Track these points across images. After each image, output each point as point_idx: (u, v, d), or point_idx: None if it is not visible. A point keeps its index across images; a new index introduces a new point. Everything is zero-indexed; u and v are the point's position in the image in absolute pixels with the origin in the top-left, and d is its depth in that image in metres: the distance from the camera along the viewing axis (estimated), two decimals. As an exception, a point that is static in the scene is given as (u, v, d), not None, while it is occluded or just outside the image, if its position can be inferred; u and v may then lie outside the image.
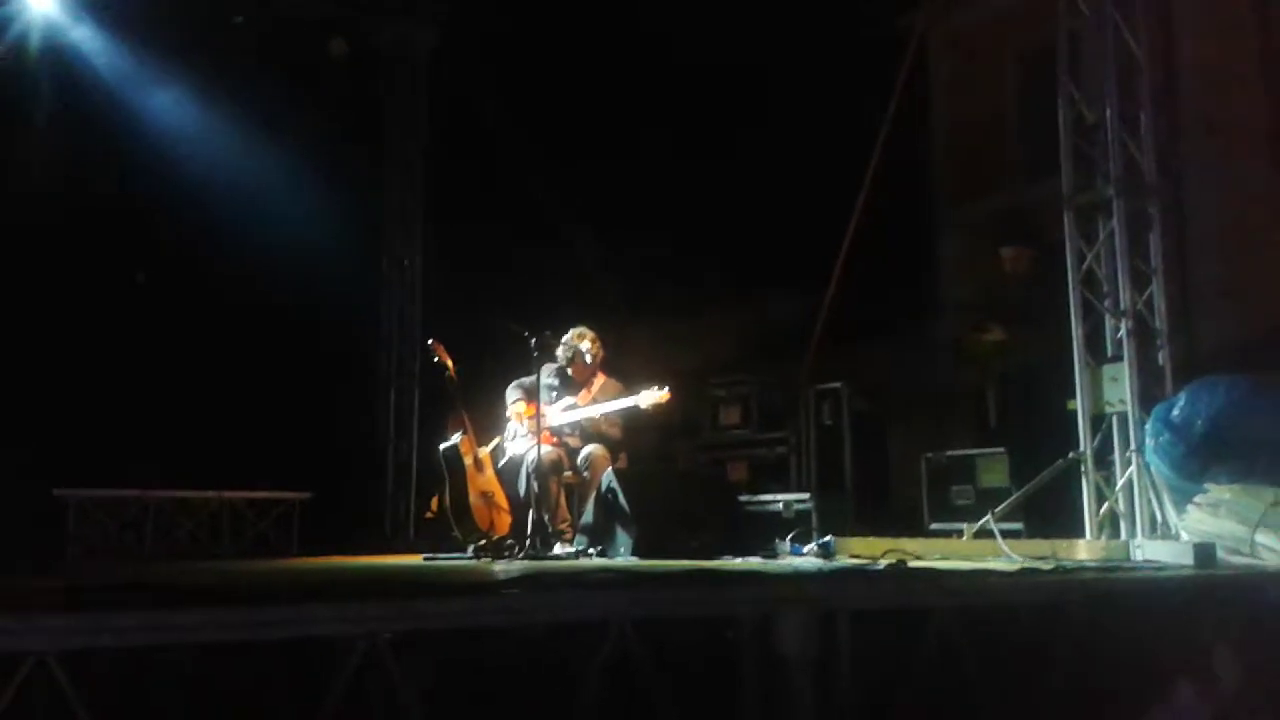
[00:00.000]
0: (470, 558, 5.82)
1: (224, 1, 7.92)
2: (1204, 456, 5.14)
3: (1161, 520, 5.31)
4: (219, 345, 7.43)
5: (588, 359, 6.48)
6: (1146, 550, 5.02)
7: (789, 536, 6.11)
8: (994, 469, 6.67)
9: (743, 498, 7.43)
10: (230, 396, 7.33)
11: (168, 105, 7.63)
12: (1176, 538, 5.07)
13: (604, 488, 5.95)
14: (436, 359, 6.46)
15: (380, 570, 5.15)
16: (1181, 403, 5.30)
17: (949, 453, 7.02)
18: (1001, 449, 6.72)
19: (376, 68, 8.96)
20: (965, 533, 5.94)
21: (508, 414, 6.49)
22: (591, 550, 5.81)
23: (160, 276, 7.40)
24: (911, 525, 6.89)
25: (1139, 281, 5.89)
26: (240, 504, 7.45)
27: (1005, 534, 5.55)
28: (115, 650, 2.40)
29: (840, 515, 7.22)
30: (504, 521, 6.24)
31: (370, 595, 3.14)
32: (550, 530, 5.97)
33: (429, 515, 6.75)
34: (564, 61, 8.82)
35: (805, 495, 7.45)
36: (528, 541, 5.78)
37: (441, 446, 6.30)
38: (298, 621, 2.67)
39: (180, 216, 7.42)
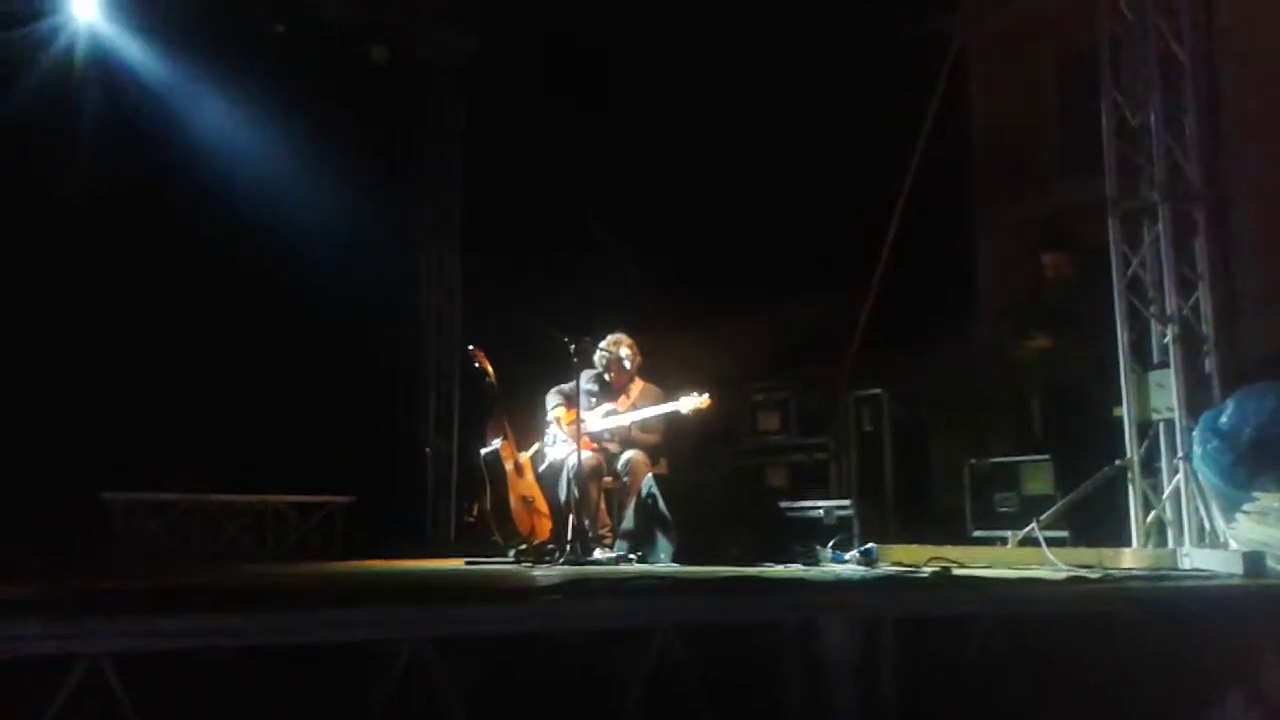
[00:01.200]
0: (511, 562, 5.85)
1: (265, 9, 8.00)
2: (1252, 464, 5.07)
3: (1210, 529, 5.23)
4: (262, 350, 7.50)
5: (626, 365, 6.50)
6: (1195, 559, 4.95)
7: (830, 543, 6.09)
8: (1038, 476, 6.60)
9: (783, 504, 7.40)
10: (273, 400, 7.39)
11: (209, 113, 7.73)
12: (1225, 546, 5.00)
13: (644, 493, 5.96)
14: (477, 365, 6.50)
15: (423, 575, 5.19)
16: (1229, 410, 5.23)
17: (992, 459, 6.96)
18: (1046, 456, 6.66)
19: (417, 74, 9.02)
20: (1010, 540, 5.89)
21: (548, 419, 6.52)
22: (632, 556, 5.82)
23: (203, 282, 7.48)
24: (954, 533, 6.84)
25: (1185, 287, 5.81)
26: (283, 507, 7.51)
27: (1050, 542, 5.49)
28: (165, 654, 2.42)
29: (881, 522, 7.18)
30: (544, 526, 6.27)
31: (415, 600, 3.17)
32: (591, 535, 5.99)
33: (469, 519, 6.80)
34: (603, 67, 8.84)
35: (846, 501, 7.41)
36: (568, 546, 5.79)
37: (482, 451, 6.35)
38: (344, 625, 2.70)
39: (222, 223, 7.49)
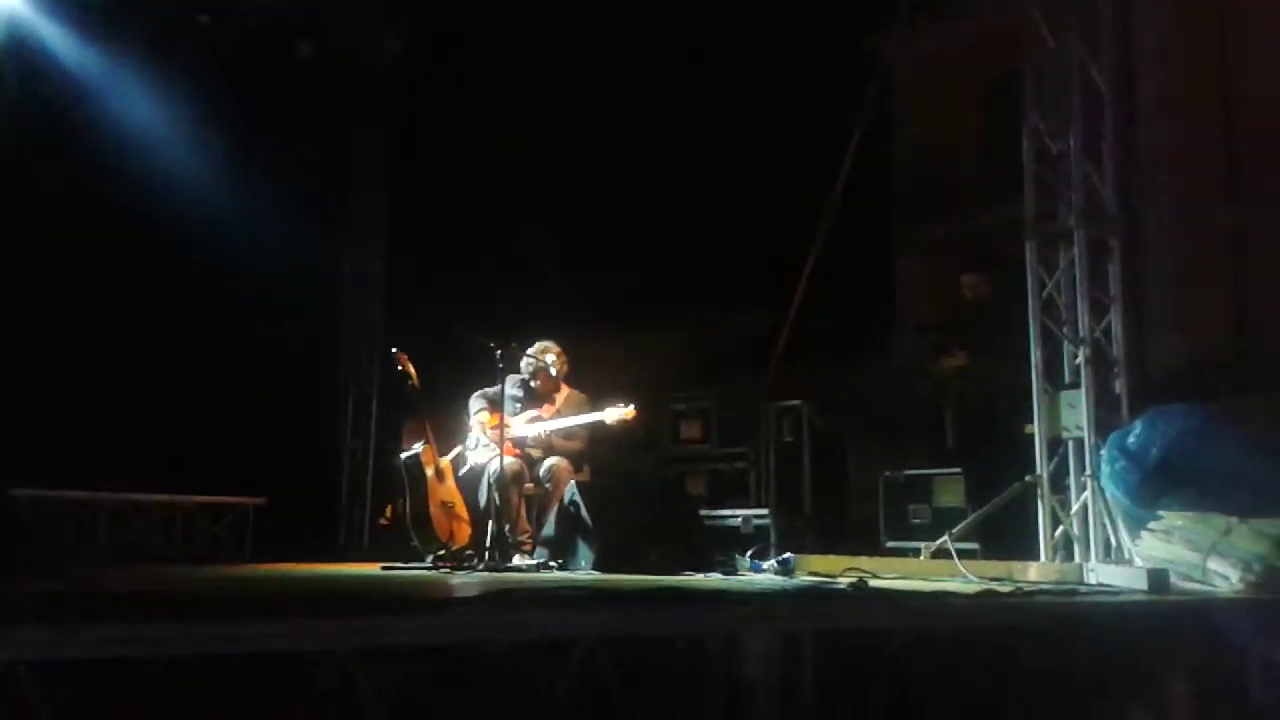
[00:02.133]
0: (429, 568, 5.79)
1: (190, 1, 7.82)
2: (1158, 484, 5.23)
3: (1115, 545, 5.40)
4: (177, 348, 7.34)
5: (552, 372, 6.49)
6: (1100, 574, 5.09)
7: (749, 553, 6.13)
8: (950, 489, 6.75)
9: (703, 512, 7.45)
10: (187, 400, 7.24)
11: (130, 104, 7.53)
12: (1130, 563, 5.16)
13: (566, 500, 5.95)
14: (399, 368, 6.43)
15: (340, 580, 5.10)
16: (1137, 430, 5.39)
17: (907, 472, 7.09)
18: (958, 470, 6.80)
19: (344, 70, 8.90)
20: (923, 552, 6.00)
21: (470, 423, 6.48)
22: (553, 563, 5.80)
23: (117, 277, 7.28)
24: (868, 543, 6.95)
25: (1097, 310, 5.98)
26: (193, 508, 7.35)
27: (961, 554, 5.61)
28: (81, 662, 2.36)
29: (798, 532, 7.26)
30: (464, 532, 6.22)
31: (338, 609, 3.12)
32: (511, 542, 5.96)
33: (383, 523, 6.72)
34: (531, 71, 8.82)
35: (764, 511, 7.49)
36: (487, 553, 5.76)
37: (403, 455, 6.28)
38: (268, 636, 2.64)
39: (139, 217, 7.31)
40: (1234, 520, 4.93)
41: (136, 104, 7.52)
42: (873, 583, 4.89)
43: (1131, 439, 5.36)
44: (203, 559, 6.95)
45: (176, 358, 7.33)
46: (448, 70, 8.90)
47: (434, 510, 6.13)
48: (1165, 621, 4.34)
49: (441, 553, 5.95)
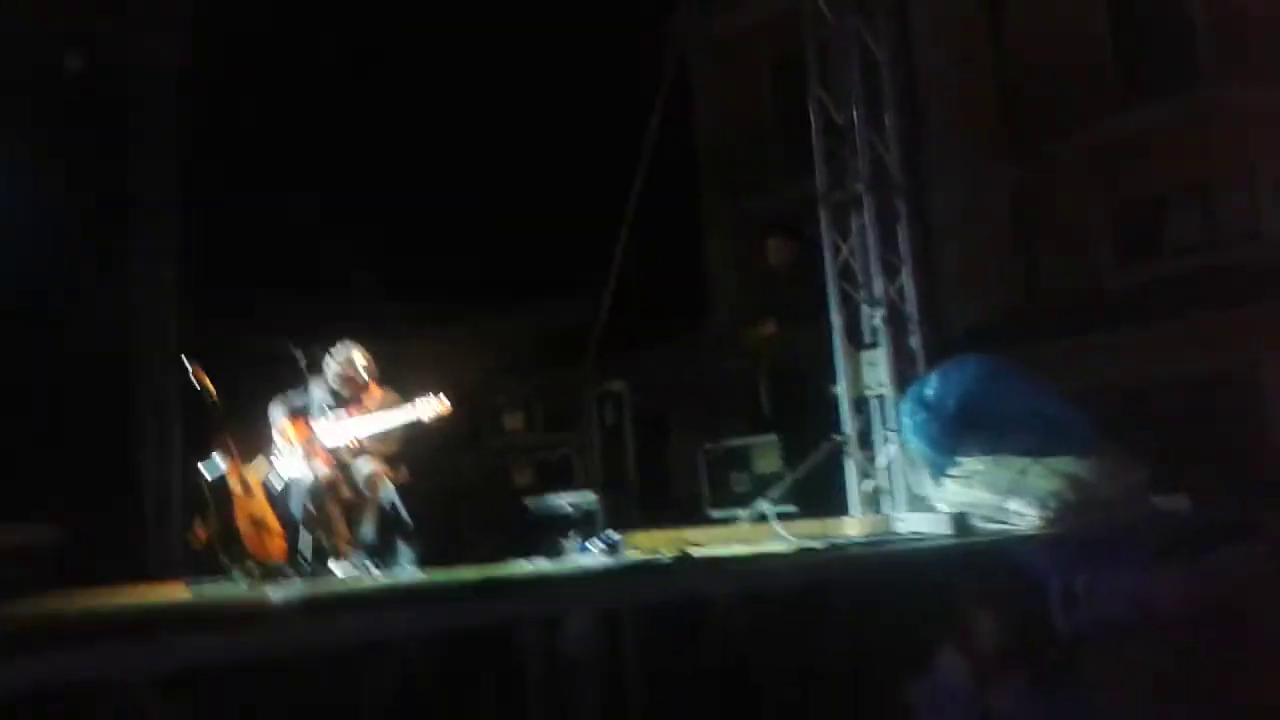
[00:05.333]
0: (241, 584, 5.54)
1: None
2: (956, 432, 5.49)
3: (921, 494, 5.64)
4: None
5: (361, 374, 6.28)
6: (908, 523, 5.32)
7: (574, 535, 6.12)
8: (768, 456, 6.91)
9: (528, 500, 7.39)
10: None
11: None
12: (935, 509, 5.39)
13: (385, 504, 5.79)
14: (196, 382, 6.10)
15: (144, 606, 4.83)
16: (934, 383, 5.64)
17: (726, 443, 7.22)
18: (774, 436, 6.97)
19: (122, 81, 8.38)
20: (743, 519, 6.13)
21: (273, 433, 6.20)
22: (373, 567, 5.64)
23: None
24: (695, 516, 7.05)
25: (890, 271, 6.23)
26: (-17, 545, 6.80)
27: (781, 517, 5.75)
28: None
29: (626, 511, 7.30)
30: (277, 546, 5.95)
31: (130, 632, 2.94)
32: (328, 549, 5.76)
33: (194, 543, 6.37)
34: (321, 70, 8.56)
35: (590, 494, 7.49)
36: (304, 564, 5.56)
37: (205, 472, 5.96)
38: (56, 669, 2.45)
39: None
40: (1028, 461, 5.22)
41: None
42: (696, 552, 4.96)
43: (929, 391, 5.61)
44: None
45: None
46: (238, 73, 8.52)
47: (243, 526, 5.85)
48: (970, 561, 4.56)
49: (255, 569, 5.69)
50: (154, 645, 2.77)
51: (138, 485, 7.94)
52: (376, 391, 6.32)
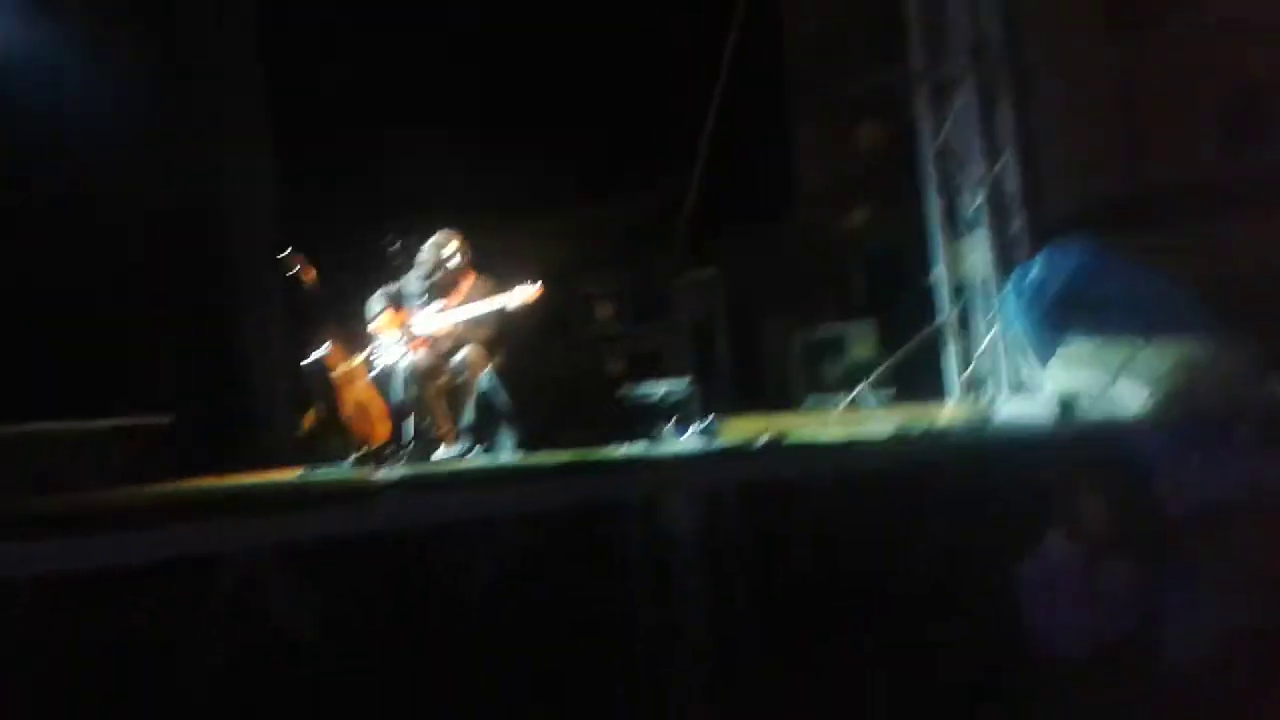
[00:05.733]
0: (350, 468, 5.72)
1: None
2: (1060, 316, 5.34)
3: (1024, 379, 5.53)
4: (67, 270, 6.98)
5: (456, 260, 6.35)
6: (1011, 408, 5.23)
7: (671, 421, 6.16)
8: (863, 342, 6.85)
9: (622, 389, 7.45)
10: (76, 323, 6.93)
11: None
12: (1039, 394, 5.29)
13: (483, 387, 5.89)
14: (297, 271, 6.23)
15: (258, 487, 5.02)
16: (1038, 265, 5.48)
17: (819, 330, 7.16)
18: (869, 322, 6.89)
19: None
20: (839, 405, 6.10)
21: (375, 323, 6.34)
22: (475, 450, 5.77)
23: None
24: (788, 404, 7.04)
25: (992, 152, 6.03)
26: (102, 432, 7.10)
27: (877, 403, 5.71)
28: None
29: (719, 399, 7.32)
30: (383, 430, 6.13)
31: (246, 510, 3.05)
32: (431, 435, 5.90)
33: (305, 430, 6.58)
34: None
35: (684, 382, 7.52)
36: (409, 447, 5.70)
37: (309, 359, 6.13)
38: (178, 542, 2.57)
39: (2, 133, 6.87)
40: (1138, 343, 5.06)
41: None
42: (790, 438, 4.95)
43: (1033, 274, 5.45)
44: (119, 483, 6.75)
45: (64, 282, 6.99)
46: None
47: (349, 411, 6.02)
48: (1076, 445, 4.48)
49: (362, 452, 5.87)
50: (269, 521, 2.88)
51: (246, 375, 8.19)
52: (471, 279, 6.39)
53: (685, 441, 5.71)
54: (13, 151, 6.75)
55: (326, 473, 5.64)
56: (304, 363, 6.06)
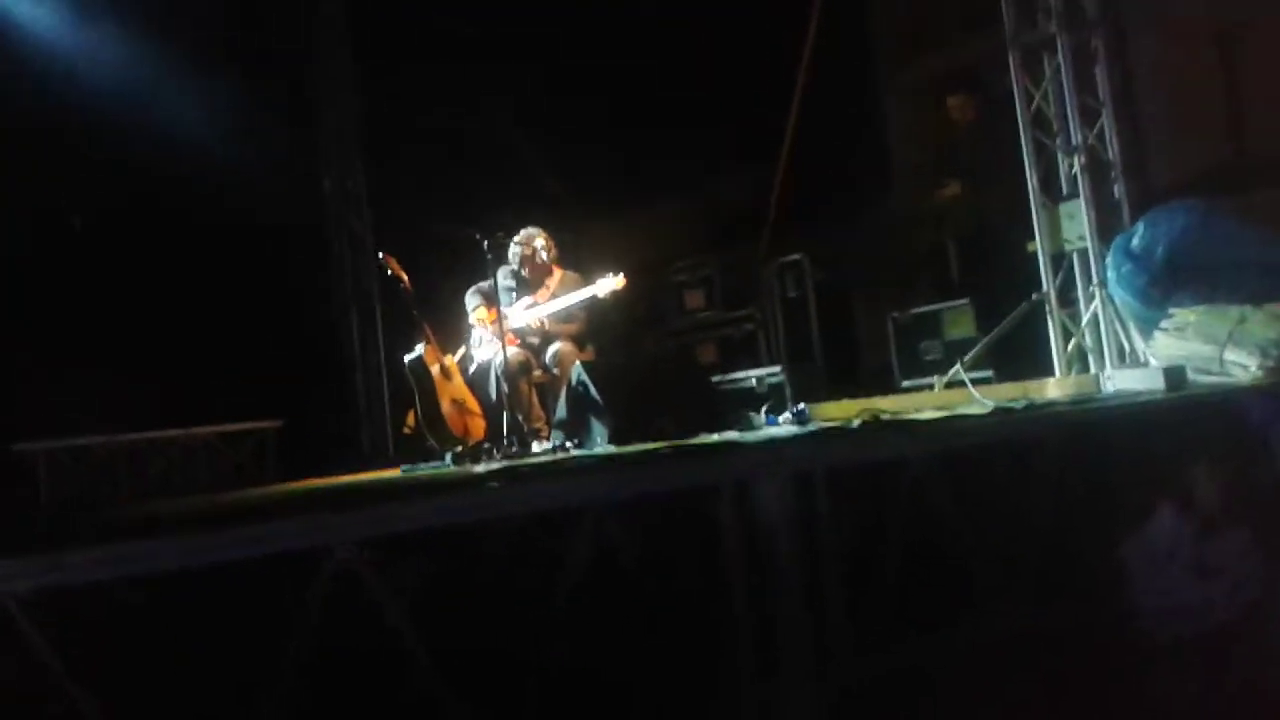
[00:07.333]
0: (449, 465, 5.80)
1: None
2: (1166, 283, 5.15)
3: (1130, 350, 5.34)
4: (171, 282, 7.23)
5: (543, 257, 6.40)
6: (1117, 380, 5.05)
7: (763, 408, 6.11)
8: (960, 321, 6.68)
9: (714, 377, 7.42)
10: (187, 333, 7.16)
11: (86, 31, 7.28)
12: (1146, 365, 5.10)
13: (574, 381, 5.91)
14: (390, 272, 6.34)
15: (356, 485, 5.11)
16: (1140, 232, 5.29)
17: (914, 310, 7.02)
18: (965, 300, 6.73)
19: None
20: (936, 385, 5.97)
21: (470, 320, 6.42)
22: (569, 444, 5.79)
23: (99, 214, 7.16)
24: (884, 386, 6.92)
25: (1089, 117, 5.84)
26: (212, 438, 7.35)
27: (976, 382, 5.56)
28: (79, 591, 2.31)
29: (813, 384, 7.24)
30: (479, 427, 6.20)
31: (340, 505, 3.10)
32: (526, 430, 5.95)
33: (406, 430, 6.71)
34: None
35: (776, 368, 7.45)
36: (505, 443, 5.75)
37: (406, 359, 6.23)
38: (264, 538, 2.61)
39: (111, 152, 7.13)
40: (1247, 308, 4.86)
41: (92, 32, 7.26)
42: (885, 419, 4.86)
43: (1135, 241, 5.27)
44: (228, 488, 6.97)
45: (174, 294, 7.23)
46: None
47: (446, 409, 6.09)
48: (1185, 415, 4.30)
49: (459, 449, 5.94)
50: (365, 515, 2.91)
51: (348, 377, 8.39)
52: (558, 274, 6.44)
53: (778, 428, 5.66)
54: (136, 175, 7.03)
55: (426, 470, 5.72)
56: (407, 359, 6.15)
